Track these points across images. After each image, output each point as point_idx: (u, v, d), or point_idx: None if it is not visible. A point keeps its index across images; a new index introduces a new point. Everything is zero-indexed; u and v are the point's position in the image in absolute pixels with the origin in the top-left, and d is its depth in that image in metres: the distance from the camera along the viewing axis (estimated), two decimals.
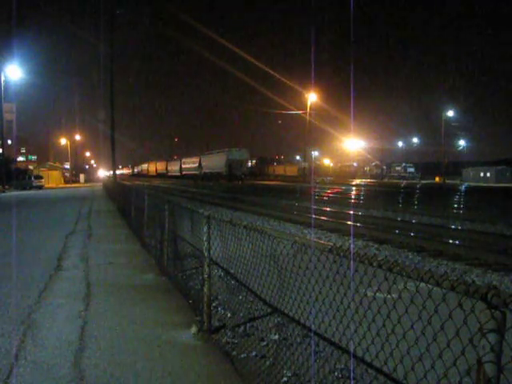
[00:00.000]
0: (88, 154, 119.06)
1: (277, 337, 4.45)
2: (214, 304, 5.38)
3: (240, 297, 5.79)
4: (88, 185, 65.39)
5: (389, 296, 2.41)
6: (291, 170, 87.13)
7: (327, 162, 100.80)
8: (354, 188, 42.85)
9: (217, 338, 4.50)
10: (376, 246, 10.46)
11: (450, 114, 67.05)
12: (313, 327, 4.04)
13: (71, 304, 5.51)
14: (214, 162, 71.21)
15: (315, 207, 20.02)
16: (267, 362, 3.92)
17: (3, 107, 45.45)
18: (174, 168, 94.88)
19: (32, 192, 42.70)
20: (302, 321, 4.09)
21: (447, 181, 66.00)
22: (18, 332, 4.52)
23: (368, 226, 14.11)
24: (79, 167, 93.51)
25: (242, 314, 5.14)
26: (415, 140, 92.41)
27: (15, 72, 45.71)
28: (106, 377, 3.56)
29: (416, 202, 24.37)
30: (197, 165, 78.35)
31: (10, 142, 77.43)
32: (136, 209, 11.63)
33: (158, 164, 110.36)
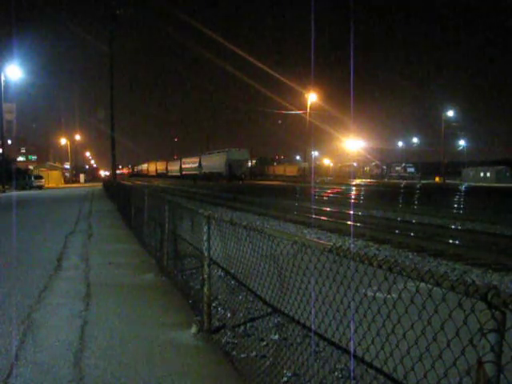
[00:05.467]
0: (88, 153, 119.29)
1: (277, 337, 4.45)
2: (213, 304, 5.38)
3: (240, 297, 5.79)
4: (88, 185, 65.37)
5: (389, 296, 2.41)
6: (291, 170, 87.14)
7: (327, 162, 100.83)
8: (353, 188, 42.83)
9: (217, 338, 4.50)
10: (376, 246, 10.47)
11: (450, 113, 66.98)
12: (313, 327, 4.04)
13: (71, 304, 5.51)
14: (214, 162, 71.24)
15: (315, 207, 20.02)
16: (267, 362, 3.91)
17: (3, 107, 45.41)
18: (173, 168, 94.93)
19: (32, 192, 42.70)
20: (301, 321, 4.09)
21: (447, 181, 65.94)
22: (18, 332, 4.52)
23: (368, 225, 14.11)
24: (79, 167, 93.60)
25: (242, 314, 5.14)
26: (415, 140, 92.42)
27: (15, 72, 45.64)
28: (106, 377, 3.56)
29: (416, 202, 24.35)
30: (197, 165, 78.38)
31: (10, 141, 77.45)
32: (136, 209, 11.63)
33: (158, 164, 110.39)
